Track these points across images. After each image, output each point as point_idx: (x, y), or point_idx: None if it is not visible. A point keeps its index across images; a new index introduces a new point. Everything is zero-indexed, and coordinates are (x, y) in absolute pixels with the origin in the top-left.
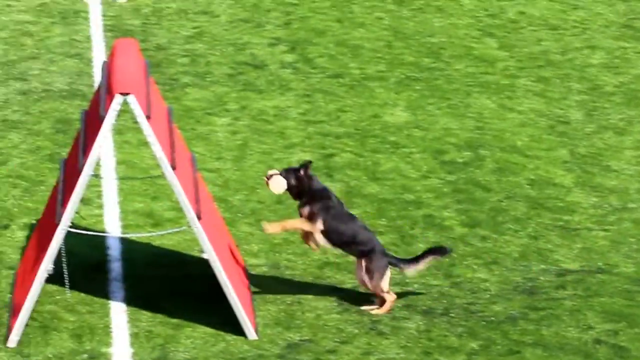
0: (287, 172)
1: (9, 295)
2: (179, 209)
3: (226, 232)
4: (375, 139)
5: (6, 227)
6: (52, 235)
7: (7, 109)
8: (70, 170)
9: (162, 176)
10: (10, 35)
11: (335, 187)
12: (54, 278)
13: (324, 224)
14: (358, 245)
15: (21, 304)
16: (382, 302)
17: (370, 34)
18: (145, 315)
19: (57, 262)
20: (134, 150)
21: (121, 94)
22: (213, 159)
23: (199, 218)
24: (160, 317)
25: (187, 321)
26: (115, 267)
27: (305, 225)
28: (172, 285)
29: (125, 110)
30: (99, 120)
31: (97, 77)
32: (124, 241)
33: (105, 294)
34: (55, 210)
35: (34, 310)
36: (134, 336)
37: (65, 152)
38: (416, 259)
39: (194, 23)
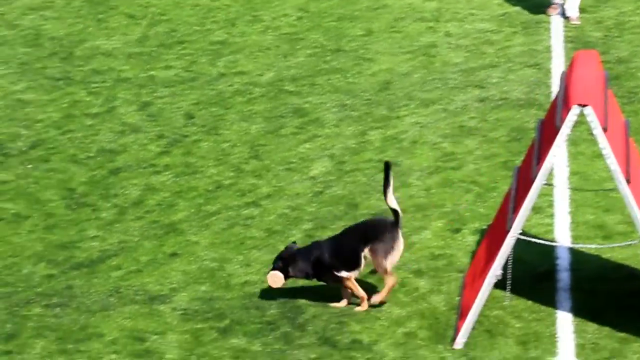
0: (274, 263)
1: (457, 298)
2: (631, 223)
3: None
4: None
5: (457, 230)
6: (502, 241)
7: (465, 115)
8: (523, 178)
9: (615, 189)
10: (472, 43)
11: None
12: (502, 283)
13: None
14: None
15: (469, 307)
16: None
17: None
18: (592, 327)
19: (505, 268)
20: (587, 162)
21: (578, 105)
22: None
23: None
24: (606, 330)
25: (634, 335)
26: (563, 277)
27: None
28: (620, 298)
29: (581, 121)
30: (555, 131)
31: (555, 88)
32: (573, 252)
33: (552, 303)
34: (506, 217)
35: (480, 314)
36: (580, 347)
37: (518, 160)
38: None
39: None
